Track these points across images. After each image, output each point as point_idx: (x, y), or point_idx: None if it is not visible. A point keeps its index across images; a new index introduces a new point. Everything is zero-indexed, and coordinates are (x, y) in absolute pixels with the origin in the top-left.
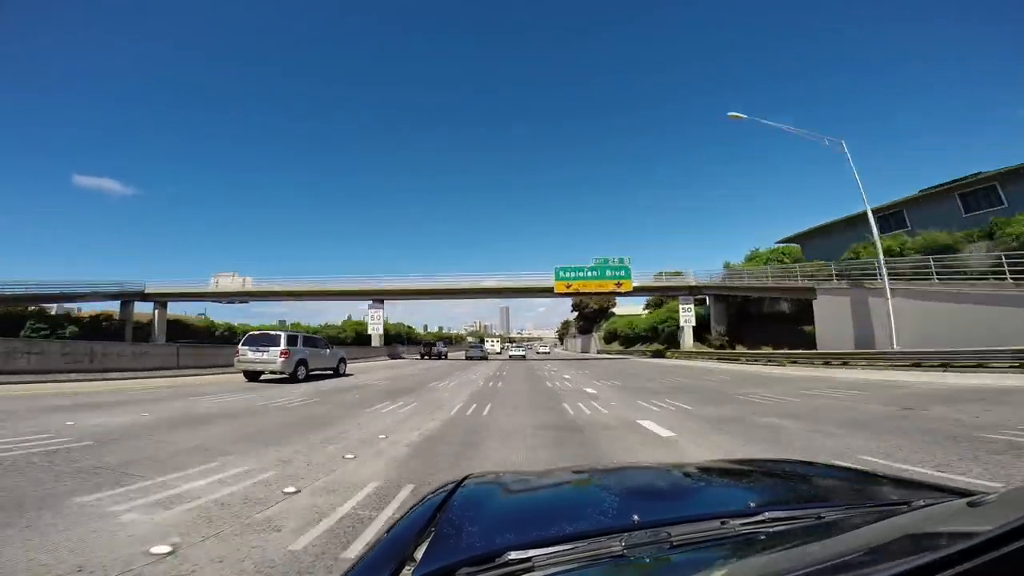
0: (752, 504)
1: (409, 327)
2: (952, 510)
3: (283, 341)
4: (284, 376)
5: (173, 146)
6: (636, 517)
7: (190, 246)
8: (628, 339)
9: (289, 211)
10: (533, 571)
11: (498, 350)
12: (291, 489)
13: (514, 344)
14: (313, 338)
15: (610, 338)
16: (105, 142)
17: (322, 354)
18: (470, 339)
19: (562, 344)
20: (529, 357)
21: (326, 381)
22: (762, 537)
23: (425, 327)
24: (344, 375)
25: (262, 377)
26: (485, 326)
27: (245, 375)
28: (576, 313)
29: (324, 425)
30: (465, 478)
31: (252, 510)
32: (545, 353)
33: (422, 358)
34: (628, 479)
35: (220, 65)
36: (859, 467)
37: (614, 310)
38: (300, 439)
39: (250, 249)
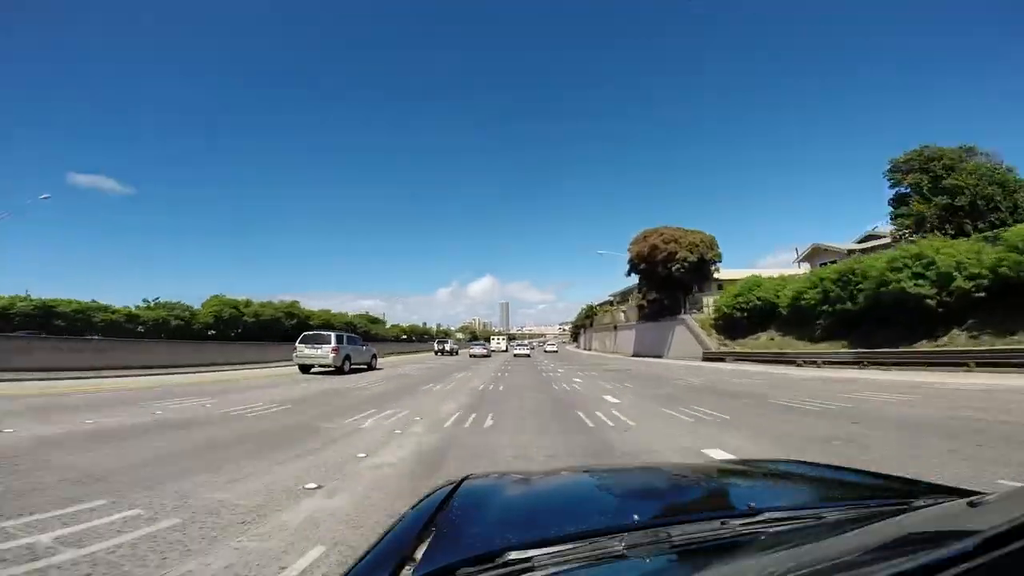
0: (752, 504)
1: (374, 318)
2: (952, 510)
3: (333, 340)
4: (332, 369)
5: (170, 147)
6: (636, 517)
7: (187, 249)
8: (863, 318)
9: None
10: (533, 571)
11: (504, 348)
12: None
13: (516, 342)
14: (353, 336)
15: (742, 323)
16: (101, 141)
17: (361, 350)
18: (459, 335)
19: (576, 342)
20: (535, 358)
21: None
22: (762, 537)
23: (423, 323)
24: (377, 368)
25: (312, 370)
26: (484, 323)
27: (300, 368)
28: (639, 274)
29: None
30: (465, 478)
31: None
32: (553, 351)
33: (436, 355)
34: (628, 479)
35: (219, 70)
36: (859, 468)
37: (720, 274)
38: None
39: (249, 251)
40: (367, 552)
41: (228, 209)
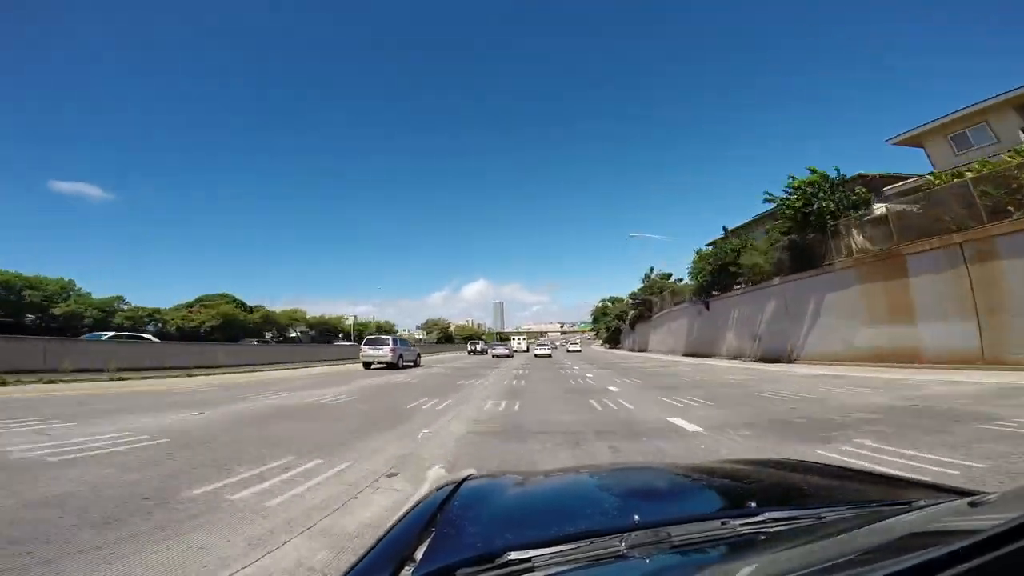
0: (752, 504)
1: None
2: (953, 510)
3: (391, 342)
4: (385, 365)
5: (158, 151)
6: (637, 517)
7: (179, 254)
8: None
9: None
10: (533, 571)
11: (525, 348)
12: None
13: (537, 342)
14: (403, 339)
15: None
16: (89, 145)
17: (410, 350)
18: (419, 335)
19: (609, 344)
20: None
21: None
22: (762, 537)
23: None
24: (421, 366)
25: (373, 366)
26: (478, 324)
27: (364, 364)
28: None
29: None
30: (465, 478)
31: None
32: (576, 351)
33: (469, 354)
34: (628, 479)
35: (211, 74)
36: (860, 467)
37: None
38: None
39: (245, 254)
40: (367, 552)
41: (221, 213)
